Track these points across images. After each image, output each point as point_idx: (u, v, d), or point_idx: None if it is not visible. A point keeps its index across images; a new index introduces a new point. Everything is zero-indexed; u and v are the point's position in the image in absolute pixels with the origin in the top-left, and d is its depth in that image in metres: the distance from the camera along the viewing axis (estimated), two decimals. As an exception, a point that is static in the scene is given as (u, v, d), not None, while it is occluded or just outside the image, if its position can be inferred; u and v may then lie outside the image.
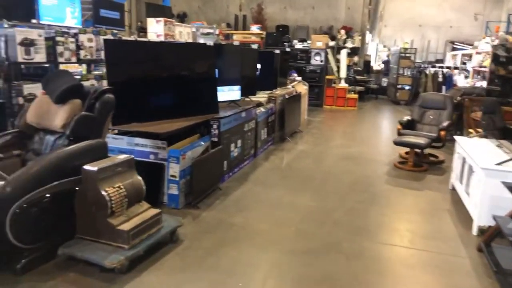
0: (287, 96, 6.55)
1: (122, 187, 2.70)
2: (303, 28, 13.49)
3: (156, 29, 6.74)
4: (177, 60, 4.19)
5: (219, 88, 4.70)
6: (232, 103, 5.37)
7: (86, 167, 2.60)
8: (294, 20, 13.53)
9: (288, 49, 8.19)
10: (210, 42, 4.59)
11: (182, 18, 12.42)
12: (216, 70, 4.60)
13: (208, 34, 9.20)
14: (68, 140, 2.80)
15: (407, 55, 12.24)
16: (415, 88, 11.98)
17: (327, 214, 3.67)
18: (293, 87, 7.64)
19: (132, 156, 2.90)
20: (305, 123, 8.02)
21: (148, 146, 3.66)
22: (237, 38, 10.62)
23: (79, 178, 2.64)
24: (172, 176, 3.58)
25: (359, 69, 12.94)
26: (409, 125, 5.69)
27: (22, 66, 4.61)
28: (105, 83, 5.34)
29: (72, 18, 7.85)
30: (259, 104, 5.89)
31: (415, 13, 15.37)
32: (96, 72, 6.51)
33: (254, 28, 11.54)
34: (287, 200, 3.98)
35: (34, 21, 6.91)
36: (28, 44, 4.20)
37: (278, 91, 6.66)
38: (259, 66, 6.22)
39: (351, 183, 4.59)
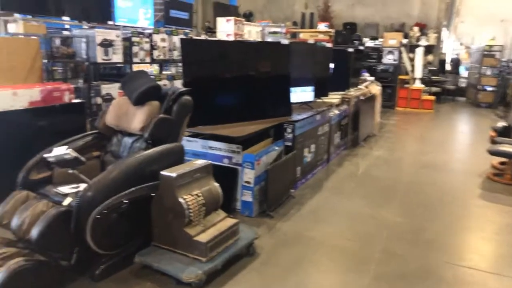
0: (362, 98, 6.14)
1: (200, 194, 2.55)
2: (372, 25, 12.84)
3: (226, 29, 6.67)
4: (252, 59, 4.01)
5: (291, 89, 4.46)
6: (303, 104, 5.10)
7: (164, 172, 2.47)
8: (362, 18, 12.92)
9: (361, 47, 7.74)
10: (284, 41, 4.35)
11: (248, 17, 12.35)
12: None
13: (275, 33, 9.01)
14: (146, 143, 2.71)
15: (492, 53, 11.13)
16: (503, 89, 10.84)
17: (417, 232, 3.26)
18: (366, 87, 7.17)
19: (210, 162, 2.74)
20: (378, 127, 7.51)
21: (222, 150, 3.51)
22: (304, 36, 10.30)
23: (156, 183, 2.52)
24: (247, 182, 3.39)
25: (434, 68, 12.05)
26: (505, 132, 5.03)
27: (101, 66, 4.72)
28: (176, 83, 5.33)
29: (144, 19, 8.05)
30: (332, 106, 5.56)
31: (496, 7, 13.95)
32: (167, 72, 6.58)
33: (322, 26, 11.14)
34: (368, 213, 3.62)
35: (110, 22, 7.16)
36: (107, 45, 4.25)
37: (352, 92, 6.26)
38: (331, 65, 5.88)
39: (439, 197, 4.11)
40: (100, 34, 4.16)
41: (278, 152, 3.83)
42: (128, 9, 7.57)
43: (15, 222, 2.31)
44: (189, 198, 2.47)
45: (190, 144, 3.62)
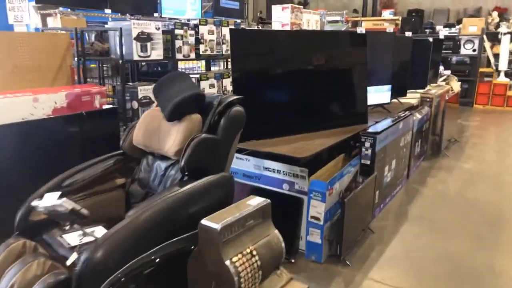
0: (447, 97, 5.06)
1: (254, 252, 1.77)
2: (442, 11, 11.48)
3: (281, 18, 5.82)
4: (318, 53, 3.16)
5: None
6: (378, 107, 4.18)
7: (206, 222, 1.71)
8: (430, 3, 11.59)
9: (442, 37, 6.56)
10: (361, 30, 3.45)
11: (303, 5, 11.41)
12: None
13: (335, 22, 8.04)
14: (182, 174, 1.97)
15: None
16: None
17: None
18: (447, 83, 6.04)
19: (269, 200, 1.94)
20: (459, 130, 6.34)
21: (281, 173, 2.71)
22: (367, 25, 9.19)
23: (195, 234, 1.78)
24: (314, 218, 2.57)
25: (516, 58, 10.44)
26: None
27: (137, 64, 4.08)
28: (226, 82, 4.60)
29: (192, 10, 7.41)
30: (412, 108, 4.57)
31: None
32: (215, 68, 5.88)
33: (387, 14, 9.94)
34: (483, 263, 2.65)
35: (156, 15, 6.57)
36: (144, 38, 3.58)
37: (433, 90, 5.19)
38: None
39: None
40: (136, 26, 3.50)
41: (353, 173, 2.97)
42: (175, 0, 6.99)
43: (2, 286, 1.68)
44: (239, 261, 1.70)
45: (240, 163, 2.87)
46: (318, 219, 2.56)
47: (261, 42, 2.86)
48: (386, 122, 3.46)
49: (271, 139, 2.92)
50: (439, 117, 5.12)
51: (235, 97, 2.15)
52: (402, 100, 4.68)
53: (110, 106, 3.37)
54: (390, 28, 5.11)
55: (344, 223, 2.52)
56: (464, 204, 3.58)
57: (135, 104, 3.66)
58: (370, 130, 3.14)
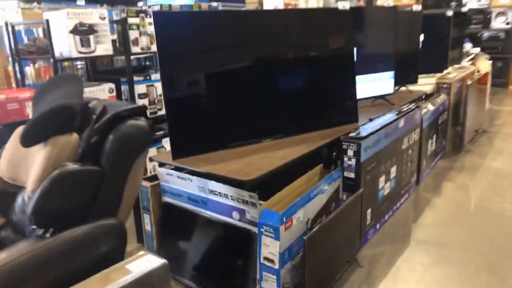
0: (469, 82, 4.21)
1: None
2: (472, -19, 10.24)
3: (273, -2, 5.09)
4: (285, 39, 2.47)
5: (358, 78, 2.88)
6: (379, 99, 3.44)
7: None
8: (459, -27, 10.34)
9: (465, 9, 5.61)
10: (344, 5, 2.72)
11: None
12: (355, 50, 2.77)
13: (344, -1, 7.17)
14: (36, 230, 1.38)
15: None
16: None
17: None
18: (473, 64, 5.14)
19: (165, 261, 1.31)
20: (489, 117, 5.44)
21: (229, 197, 2.07)
22: (383, 1, 8.23)
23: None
24: (267, 259, 1.92)
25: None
26: None
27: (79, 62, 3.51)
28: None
29: (183, -4, 6.77)
30: (424, 97, 3.80)
31: None
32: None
33: (406, -13, 8.89)
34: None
35: (140, 4, 6.00)
36: (84, 31, 3.00)
37: (453, 74, 4.35)
38: (421, 37, 4.05)
39: None
40: (72, 16, 2.91)
41: (332, 191, 2.29)
42: (164, -15, 6.40)
43: None
44: None
45: (183, 183, 2.24)
46: (272, 261, 1.90)
47: (201, 28, 2.19)
48: (382, 120, 2.73)
49: (223, 151, 2.29)
50: (461, 105, 4.28)
51: (129, 106, 1.52)
52: (413, 88, 3.90)
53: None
54: (389, 1, 4.28)
55: (307, 269, 1.85)
56: (486, 222, 2.80)
57: (80, 110, 3.10)
58: (354, 133, 2.42)
